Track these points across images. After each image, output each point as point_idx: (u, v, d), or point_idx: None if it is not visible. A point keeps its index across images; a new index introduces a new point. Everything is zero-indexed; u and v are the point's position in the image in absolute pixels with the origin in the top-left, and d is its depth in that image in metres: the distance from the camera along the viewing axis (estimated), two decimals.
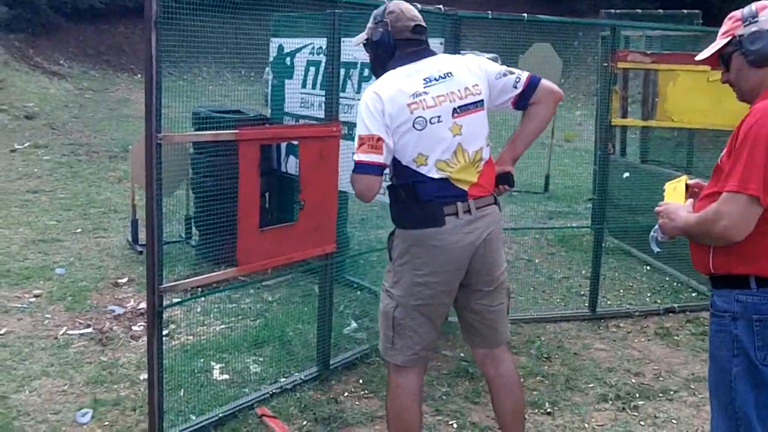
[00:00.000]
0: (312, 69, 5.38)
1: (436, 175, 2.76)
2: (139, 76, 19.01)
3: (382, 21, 2.92)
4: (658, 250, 2.60)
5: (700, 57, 2.48)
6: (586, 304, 5.29)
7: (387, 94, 2.76)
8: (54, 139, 12.25)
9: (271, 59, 5.83)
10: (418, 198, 2.78)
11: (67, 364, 4.26)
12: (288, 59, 5.73)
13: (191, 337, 4.66)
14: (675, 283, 5.96)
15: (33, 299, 5.30)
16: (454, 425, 3.69)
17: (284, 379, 4.05)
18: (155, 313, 3.22)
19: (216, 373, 4.16)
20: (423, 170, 2.77)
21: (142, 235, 6.23)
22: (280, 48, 5.75)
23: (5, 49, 17.35)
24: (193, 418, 3.62)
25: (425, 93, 2.77)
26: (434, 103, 2.77)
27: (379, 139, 2.73)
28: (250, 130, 3.46)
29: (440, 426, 3.68)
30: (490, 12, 4.40)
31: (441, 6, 4.35)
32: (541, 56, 8.34)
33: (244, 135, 3.36)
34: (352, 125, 5.01)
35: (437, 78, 2.81)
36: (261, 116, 5.91)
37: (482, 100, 2.85)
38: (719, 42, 2.39)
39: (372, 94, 2.78)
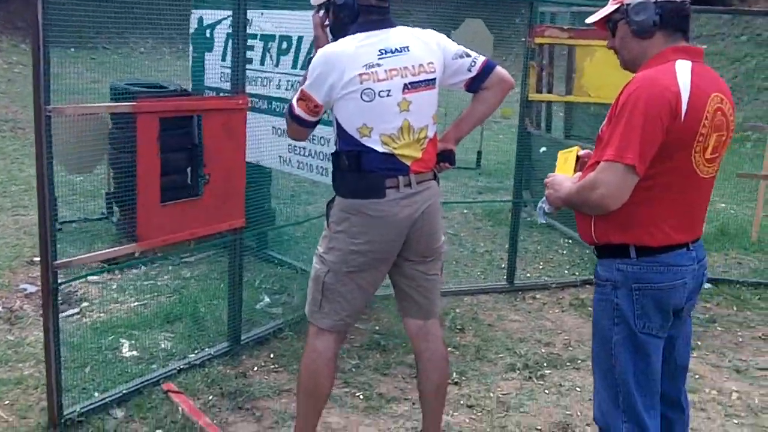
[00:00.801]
0: (231, 42, 5.31)
1: (380, 149, 2.77)
2: (72, 49, 18.55)
3: None
4: (544, 221, 2.64)
5: (589, 20, 2.53)
6: (504, 277, 5.37)
7: (338, 60, 2.74)
8: None
9: (191, 31, 5.73)
10: (361, 168, 2.79)
11: None
12: (208, 32, 5.64)
13: (103, 315, 4.60)
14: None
15: None
16: (361, 396, 3.72)
17: (193, 355, 4.02)
18: (50, 290, 3.16)
19: (125, 350, 4.11)
20: (366, 141, 2.77)
21: (62, 213, 6.12)
22: (200, 20, 5.65)
23: None
24: (96, 395, 3.57)
25: (378, 65, 2.75)
26: (386, 77, 2.75)
27: (317, 105, 2.79)
28: (148, 103, 3.40)
29: (347, 397, 3.70)
30: None
31: None
32: (472, 32, 8.41)
33: (142, 107, 3.30)
34: (268, 99, 4.99)
35: (393, 51, 2.78)
36: (182, 90, 5.81)
37: (435, 79, 2.85)
38: (608, 8, 2.44)
39: (323, 57, 2.77)
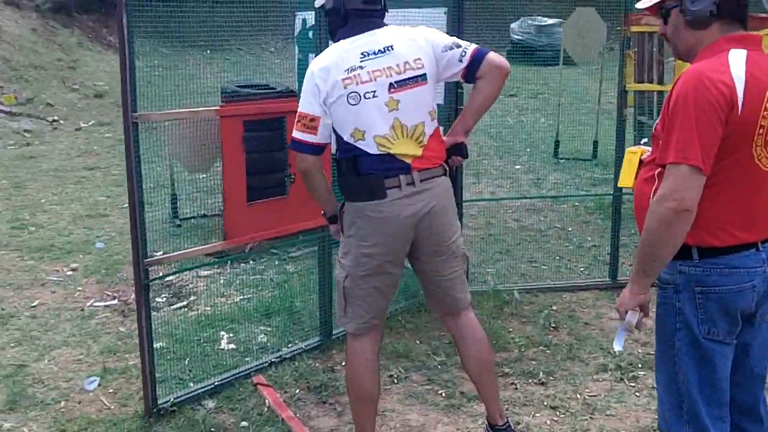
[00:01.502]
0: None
1: (375, 151, 2.78)
2: (209, 51, 19.40)
3: None
4: (621, 349, 2.40)
5: (639, 4, 2.39)
6: (607, 273, 5.19)
7: (322, 70, 2.79)
8: (118, 117, 12.56)
9: (295, 33, 5.90)
10: (358, 171, 2.81)
11: (87, 334, 4.48)
12: (311, 33, 5.78)
13: (208, 308, 4.83)
14: None
15: (70, 272, 5.57)
16: (443, 394, 3.72)
17: (286, 349, 4.15)
18: (141, 287, 3.36)
19: (223, 343, 4.30)
20: (361, 145, 2.79)
21: (182, 210, 6.48)
22: (304, 22, 5.81)
23: (80, 31, 17.95)
24: (192, 385, 3.77)
25: (360, 68, 2.78)
26: (369, 78, 2.77)
27: (314, 119, 2.80)
28: (231, 107, 3.54)
29: (429, 395, 3.72)
30: None
31: None
32: (584, 21, 8.17)
33: (226, 111, 3.43)
34: None
35: (375, 52, 2.80)
36: (289, 90, 5.99)
37: (424, 74, 2.83)
38: None
39: (310, 70, 2.83)
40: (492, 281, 5.07)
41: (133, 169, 3.18)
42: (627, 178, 2.44)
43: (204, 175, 6.39)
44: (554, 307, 4.75)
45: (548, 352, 4.15)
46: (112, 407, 3.64)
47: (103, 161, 9.46)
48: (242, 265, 5.64)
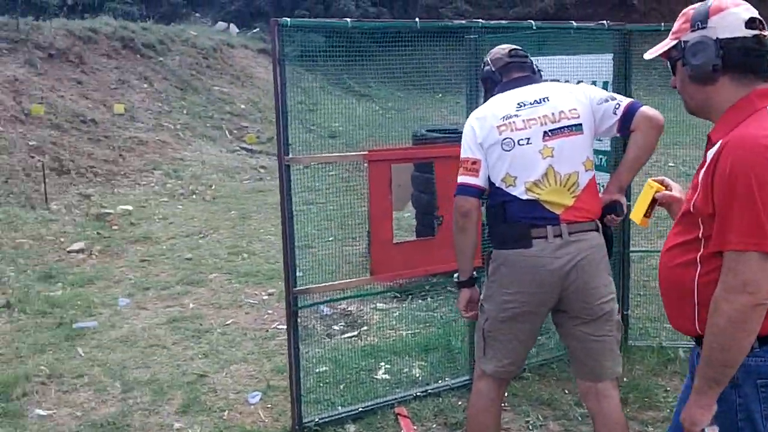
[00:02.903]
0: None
1: (525, 196, 2.84)
2: (440, 95, 20.17)
3: (485, 61, 3.16)
4: None
5: (646, 55, 2.16)
6: None
7: (479, 119, 2.95)
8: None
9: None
10: (506, 218, 2.88)
11: (263, 353, 4.94)
12: None
13: (376, 339, 5.10)
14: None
15: (265, 297, 6.15)
16: None
17: (435, 384, 4.29)
18: (291, 313, 3.70)
19: (380, 373, 4.54)
20: (512, 191, 2.86)
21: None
22: None
23: (323, 76, 19.51)
24: (339, 408, 4.03)
25: (516, 116, 2.89)
26: (524, 126, 2.87)
27: (475, 161, 2.91)
28: (379, 152, 3.79)
29: None
30: (662, 23, 4.18)
31: (605, 21, 4.29)
32: None
33: (373, 156, 3.70)
34: None
35: (531, 102, 2.91)
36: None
37: (580, 124, 2.88)
38: (666, 43, 2.06)
39: (468, 123, 3.00)
40: (658, 337, 4.85)
41: (285, 206, 3.53)
42: (638, 213, 2.29)
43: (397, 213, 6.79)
44: None
45: None
46: (266, 421, 4.01)
47: (321, 197, 10.20)
48: (419, 301, 5.87)
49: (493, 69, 3.07)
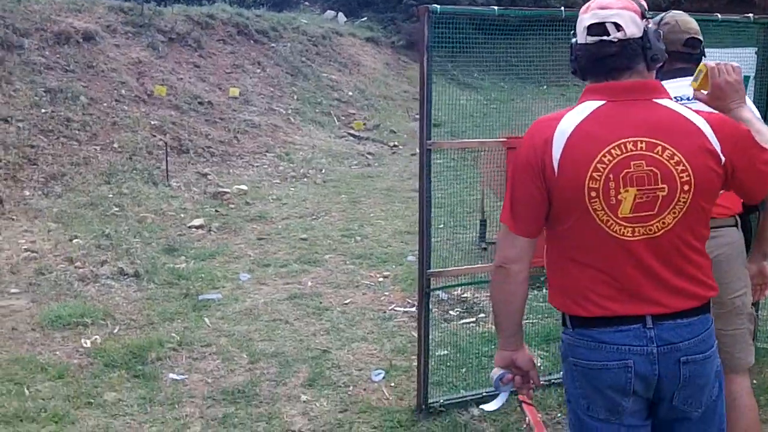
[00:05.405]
0: None
1: None
2: (545, 86, 19.91)
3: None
4: (490, 409, 2.45)
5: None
6: None
7: None
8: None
9: None
10: None
11: (383, 333, 5.04)
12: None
13: (492, 326, 5.12)
14: None
15: (381, 279, 6.26)
16: None
17: (557, 375, 4.29)
18: (423, 294, 3.77)
19: None
20: None
21: (490, 235, 6.89)
22: None
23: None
24: (463, 392, 4.09)
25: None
26: None
27: None
28: (518, 139, 3.79)
29: None
30: None
31: (750, 15, 4.16)
32: None
33: (511, 143, 3.72)
34: None
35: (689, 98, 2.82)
36: None
37: None
38: None
39: None
40: None
41: (424, 190, 3.59)
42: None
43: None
44: None
45: None
46: (390, 398, 4.10)
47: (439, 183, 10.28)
48: (535, 292, 5.85)
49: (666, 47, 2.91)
